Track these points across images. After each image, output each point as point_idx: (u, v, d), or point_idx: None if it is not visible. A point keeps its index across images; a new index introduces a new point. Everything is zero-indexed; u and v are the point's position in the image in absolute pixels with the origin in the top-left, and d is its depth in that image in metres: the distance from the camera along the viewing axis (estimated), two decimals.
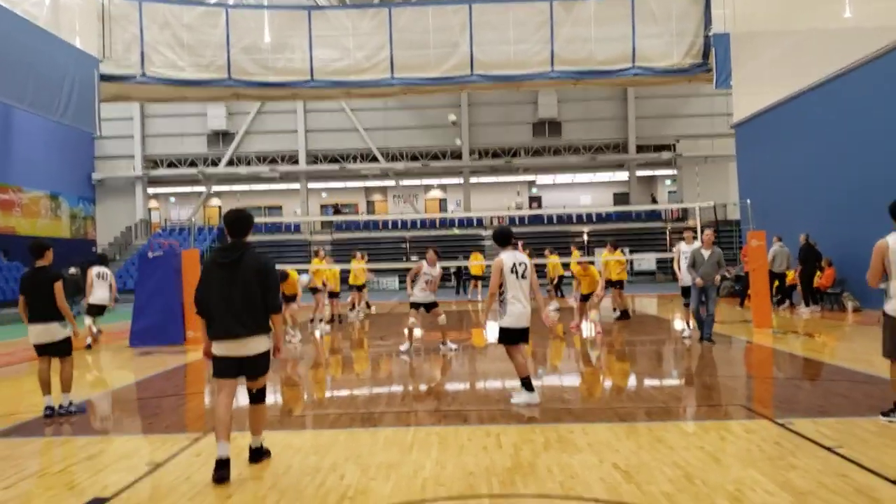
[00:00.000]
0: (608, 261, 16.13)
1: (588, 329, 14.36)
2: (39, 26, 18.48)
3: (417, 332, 13.67)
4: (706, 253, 11.75)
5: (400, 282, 34.05)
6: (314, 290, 16.43)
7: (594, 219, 39.30)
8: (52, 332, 7.59)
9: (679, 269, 13.10)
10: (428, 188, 44.46)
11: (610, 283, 15.98)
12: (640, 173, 42.11)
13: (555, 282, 21.28)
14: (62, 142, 35.11)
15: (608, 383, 9.28)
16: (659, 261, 34.85)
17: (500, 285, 7.37)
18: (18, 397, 8.89)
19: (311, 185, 42.47)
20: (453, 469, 5.27)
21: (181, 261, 14.23)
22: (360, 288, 19.45)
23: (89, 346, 13.97)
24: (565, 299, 21.78)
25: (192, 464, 5.64)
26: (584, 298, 14.32)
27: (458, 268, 29.08)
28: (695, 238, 13.12)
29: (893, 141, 14.51)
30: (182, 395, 9.19)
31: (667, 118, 40.24)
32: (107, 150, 40.38)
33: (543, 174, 43.38)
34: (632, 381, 9.30)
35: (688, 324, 12.95)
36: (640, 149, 40.76)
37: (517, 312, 7.36)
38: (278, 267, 6.78)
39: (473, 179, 41.99)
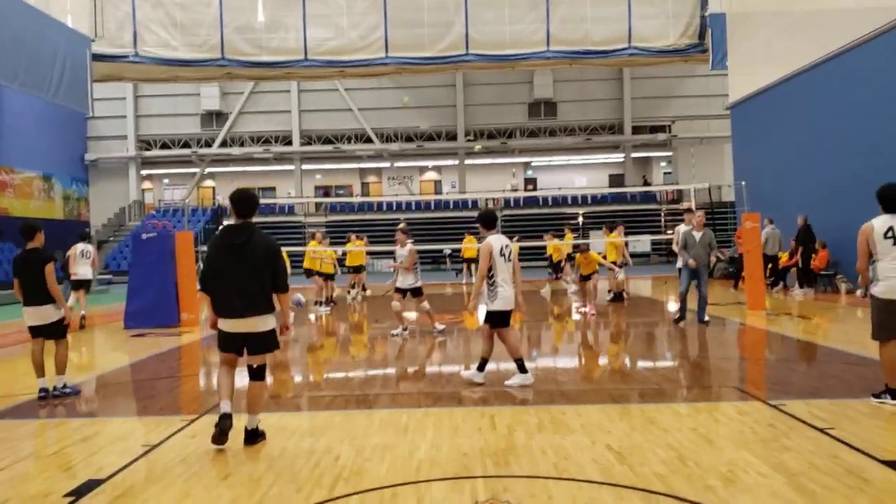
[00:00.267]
0: (613, 242, 16.24)
1: (588, 308, 14.44)
2: (30, 4, 18.26)
3: (411, 315, 13.66)
4: (697, 235, 11.77)
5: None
6: (309, 274, 16.43)
7: (589, 200, 39.29)
8: (45, 314, 7.57)
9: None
10: (423, 170, 44.34)
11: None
12: (635, 155, 42.07)
13: (562, 263, 21.28)
14: (54, 122, 34.84)
15: (601, 365, 9.32)
16: (654, 243, 34.91)
17: (490, 268, 7.37)
18: (12, 379, 8.89)
19: (305, 166, 42.30)
20: (448, 450, 5.30)
21: (175, 242, 14.19)
22: (357, 270, 19.46)
23: (82, 327, 14.07)
24: (558, 280, 21.83)
25: (188, 445, 5.66)
26: (585, 278, 14.44)
27: (453, 250, 29.05)
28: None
29: (889, 122, 14.49)
30: (177, 377, 9.19)
31: (662, 99, 40.12)
32: (100, 131, 40.09)
33: (539, 156, 43.28)
34: (625, 363, 9.34)
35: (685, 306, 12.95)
36: (635, 130, 40.66)
37: (507, 295, 7.38)
38: None
39: (469, 161, 41.88)
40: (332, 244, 18.92)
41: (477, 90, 40.58)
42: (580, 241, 16.11)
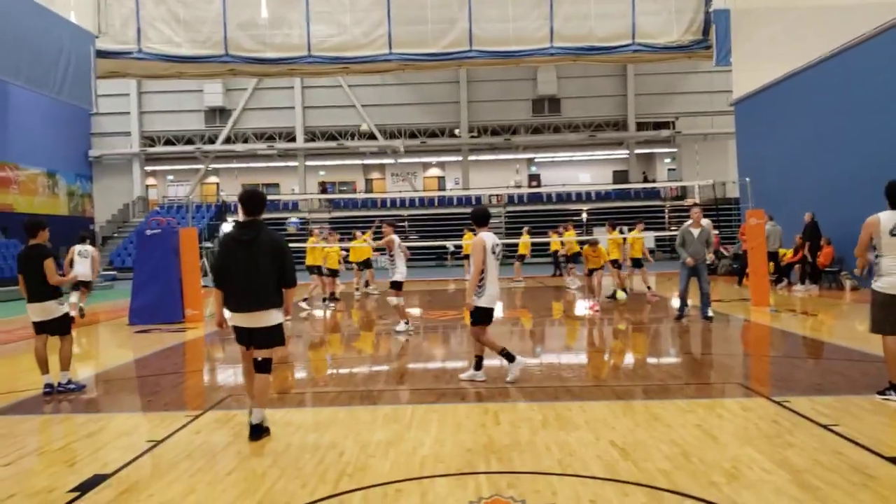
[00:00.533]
0: (634, 238, 16.24)
1: (591, 304, 14.45)
2: (34, 1, 18.27)
3: (415, 311, 13.69)
4: (696, 231, 11.77)
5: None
6: (312, 270, 16.41)
7: (593, 197, 39.24)
8: (48, 310, 7.61)
9: None
10: (426, 166, 44.32)
11: (612, 263, 16.00)
12: (639, 151, 42.00)
13: (563, 260, 21.27)
14: (59, 119, 34.91)
15: (605, 361, 9.31)
16: (657, 239, 34.85)
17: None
18: (17, 375, 8.91)
19: (309, 162, 42.32)
20: (452, 446, 5.30)
21: (179, 238, 14.21)
22: (365, 265, 19.57)
23: (82, 316, 14.40)
24: (563, 276, 21.80)
25: (192, 441, 5.67)
26: (591, 273, 14.49)
27: (455, 246, 29.03)
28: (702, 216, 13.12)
29: (894, 119, 14.44)
30: (181, 373, 9.22)
31: (666, 95, 40.04)
32: (103, 127, 40.15)
33: (542, 152, 43.22)
34: (629, 360, 9.33)
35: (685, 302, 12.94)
36: (639, 126, 40.59)
37: (494, 293, 7.40)
38: None
39: (472, 157, 41.84)
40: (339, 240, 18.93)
41: (480, 87, 40.53)
42: (588, 238, 16.08)
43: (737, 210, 26.76)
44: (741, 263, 18.26)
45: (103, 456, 5.34)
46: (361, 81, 38.57)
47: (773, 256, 17.56)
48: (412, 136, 40.74)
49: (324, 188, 43.56)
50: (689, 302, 12.41)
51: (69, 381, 7.71)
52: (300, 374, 8.93)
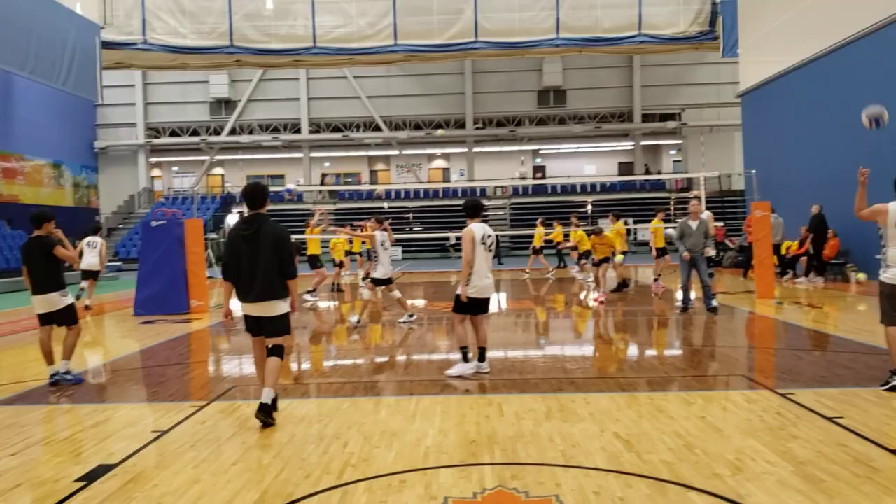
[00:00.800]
0: (656, 227, 16.19)
1: (597, 295, 14.42)
2: None
3: (420, 302, 13.68)
4: (694, 224, 11.76)
5: (403, 251, 34.10)
6: (313, 264, 16.35)
7: (598, 189, 39.16)
8: (52, 301, 7.60)
9: None
10: (431, 157, 44.27)
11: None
12: (644, 143, 41.88)
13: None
14: (64, 109, 34.95)
15: (610, 353, 9.31)
16: (667, 238, 34.73)
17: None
18: (23, 365, 8.95)
19: (314, 154, 42.30)
20: (456, 437, 5.31)
21: (184, 230, 14.24)
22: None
23: (87, 307, 14.55)
24: (568, 268, 21.78)
25: (198, 431, 5.70)
26: (598, 263, 14.46)
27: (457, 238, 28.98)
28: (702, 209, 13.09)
29: None
30: (186, 364, 9.24)
31: (672, 87, 39.89)
32: (109, 119, 40.22)
33: (547, 143, 43.13)
34: (633, 351, 9.33)
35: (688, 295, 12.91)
36: (645, 118, 40.49)
37: (483, 284, 7.36)
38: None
39: (477, 149, 41.78)
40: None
41: (486, 78, 40.45)
42: (593, 227, 16.06)
43: (742, 202, 26.72)
44: (746, 255, 18.20)
45: (109, 446, 5.36)
46: (367, 73, 38.54)
47: (775, 249, 17.49)
48: (417, 127, 40.70)
49: (323, 180, 43.49)
50: (693, 294, 12.38)
51: (68, 372, 7.64)
52: (304, 365, 8.95)
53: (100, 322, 13.79)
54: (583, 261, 19.46)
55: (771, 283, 14.14)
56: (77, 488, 4.49)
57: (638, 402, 6.21)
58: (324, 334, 11.63)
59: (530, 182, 41.43)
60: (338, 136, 40.62)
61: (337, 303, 15.81)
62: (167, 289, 13.94)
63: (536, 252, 21.45)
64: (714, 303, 11.91)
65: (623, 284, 16.32)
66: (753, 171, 16.22)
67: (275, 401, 5.89)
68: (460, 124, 40.91)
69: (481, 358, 7.60)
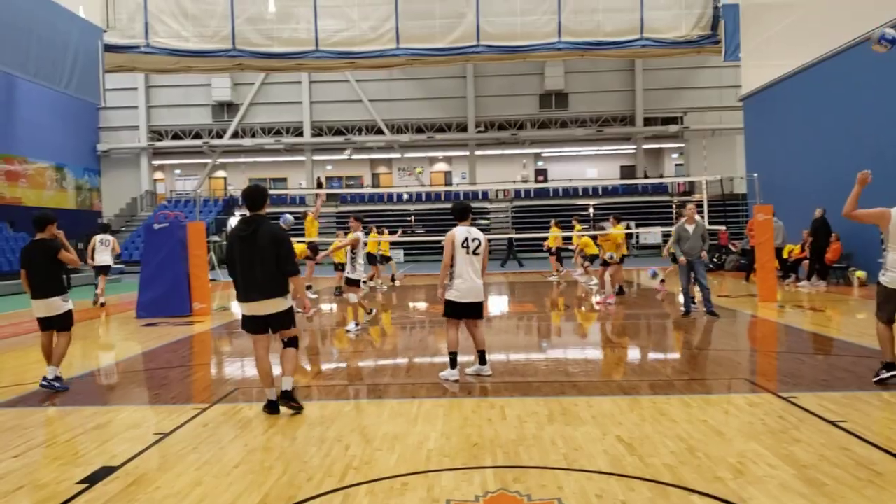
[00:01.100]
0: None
1: (604, 298, 14.39)
2: None
3: (422, 304, 13.67)
4: (690, 228, 11.77)
5: (405, 254, 34.10)
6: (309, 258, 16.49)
7: (600, 192, 39.16)
8: (53, 306, 7.49)
9: None
10: (433, 160, 44.29)
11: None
12: (646, 146, 41.88)
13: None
14: (67, 112, 35.02)
15: (612, 356, 9.31)
16: (665, 234, 34.73)
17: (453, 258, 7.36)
18: (25, 368, 8.96)
19: (316, 157, 42.34)
20: (458, 441, 5.31)
21: (187, 232, 14.25)
22: (385, 259, 19.72)
23: (103, 304, 15.73)
24: (569, 272, 21.74)
25: (200, 434, 5.70)
26: (606, 264, 14.44)
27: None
28: (699, 212, 13.05)
29: None
30: (188, 367, 9.25)
31: (674, 90, 39.91)
32: (111, 121, 40.29)
33: (549, 147, 43.14)
34: (635, 355, 9.32)
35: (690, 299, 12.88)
36: (647, 121, 40.49)
37: (463, 287, 7.32)
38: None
39: (479, 152, 41.80)
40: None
41: (487, 81, 40.48)
42: (598, 232, 15.95)
43: (744, 205, 26.69)
44: (749, 259, 18.19)
45: (111, 448, 5.37)
46: (369, 76, 38.57)
47: (777, 252, 17.46)
48: (419, 130, 40.72)
49: (319, 183, 43.29)
50: (695, 297, 12.38)
51: (56, 379, 7.44)
52: (307, 368, 8.95)
53: (102, 324, 13.80)
54: (586, 263, 19.39)
55: (773, 286, 14.13)
56: (79, 490, 4.50)
57: (640, 406, 6.21)
58: (325, 337, 11.63)
59: (532, 185, 41.41)
60: (340, 139, 40.65)
61: (338, 305, 15.80)
62: (170, 291, 13.94)
63: (552, 253, 21.42)
64: (712, 306, 11.89)
65: (620, 290, 16.25)
66: (756, 175, 16.19)
67: (289, 391, 6.16)
68: (462, 128, 40.93)
69: (482, 361, 7.59)
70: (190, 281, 14.08)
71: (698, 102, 39.34)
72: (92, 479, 4.68)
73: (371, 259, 19.67)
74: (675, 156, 43.41)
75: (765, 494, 4.13)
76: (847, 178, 7.19)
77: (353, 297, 11.75)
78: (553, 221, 21.76)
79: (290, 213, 27.53)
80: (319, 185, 42.16)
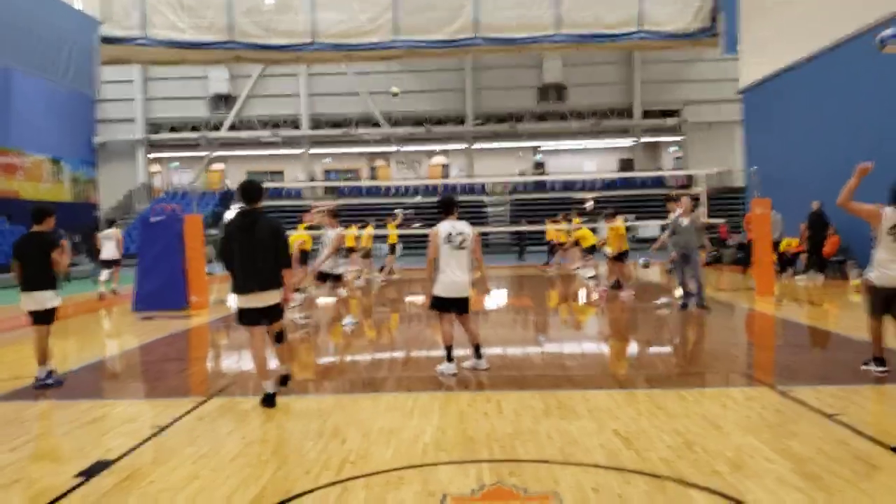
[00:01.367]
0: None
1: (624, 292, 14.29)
2: None
3: (420, 298, 13.65)
4: (685, 221, 11.74)
5: (404, 247, 34.00)
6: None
7: (598, 185, 39.10)
8: (43, 299, 7.37)
9: None
10: (431, 154, 44.22)
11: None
12: (645, 139, 41.84)
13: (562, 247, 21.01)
14: (63, 105, 34.78)
15: (608, 350, 9.31)
16: (663, 227, 34.72)
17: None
18: (22, 361, 8.93)
19: (314, 150, 42.26)
20: (454, 434, 5.31)
21: (183, 225, 14.21)
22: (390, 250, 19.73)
23: (114, 291, 16.21)
24: (559, 266, 21.71)
25: (196, 427, 5.69)
26: (618, 258, 14.49)
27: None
28: (696, 206, 13.01)
29: None
30: (185, 360, 9.24)
31: (673, 83, 39.83)
32: (108, 114, 40.09)
33: (548, 140, 43.07)
34: (631, 348, 9.33)
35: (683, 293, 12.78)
36: (645, 114, 40.45)
37: (447, 281, 7.29)
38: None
39: (477, 145, 41.74)
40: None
41: (485, 74, 40.39)
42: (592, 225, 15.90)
43: (742, 199, 26.69)
44: (746, 253, 18.18)
45: (107, 442, 5.36)
46: (367, 69, 38.44)
47: (774, 246, 17.46)
48: (417, 123, 40.63)
49: (312, 177, 43.14)
50: (692, 291, 12.36)
51: (48, 375, 7.35)
52: (303, 361, 8.93)
53: (98, 317, 13.79)
54: (588, 255, 19.37)
55: (771, 280, 14.12)
56: (75, 484, 4.49)
57: (637, 400, 6.21)
58: (322, 331, 11.61)
59: (530, 179, 41.37)
60: (338, 132, 40.57)
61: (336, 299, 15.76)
62: (166, 285, 13.88)
63: (562, 246, 21.41)
64: (704, 301, 11.85)
65: (618, 283, 16.19)
66: (754, 168, 16.18)
67: (287, 375, 6.57)
68: (460, 121, 40.86)
69: (477, 355, 7.58)
70: (187, 274, 14.04)
71: (696, 95, 39.28)
72: (88, 473, 4.67)
73: (366, 253, 19.64)
74: (673, 149, 43.34)
75: (762, 488, 4.13)
76: (845, 171, 7.20)
77: (342, 291, 11.58)
78: (562, 215, 21.75)
79: (289, 205, 27.51)
80: (312, 178, 41.99)
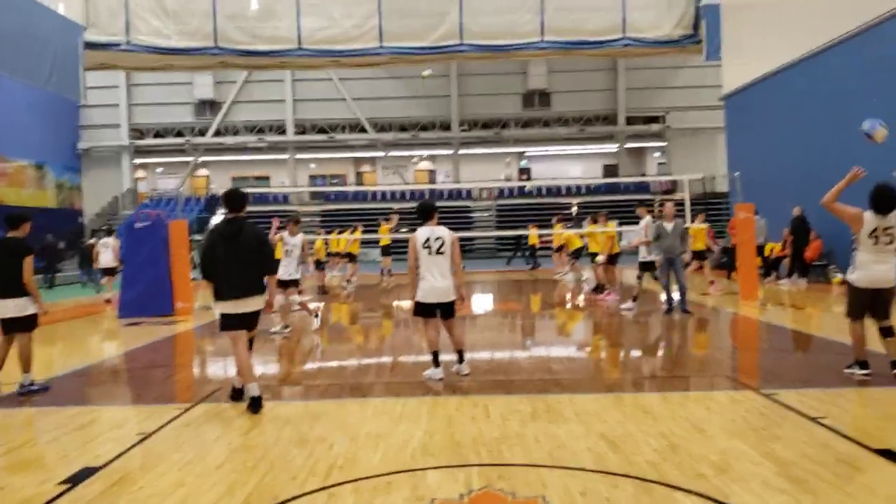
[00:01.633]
0: (697, 230, 15.74)
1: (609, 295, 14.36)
2: None
3: (406, 303, 13.64)
4: (669, 226, 11.84)
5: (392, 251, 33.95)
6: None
7: (583, 191, 39.28)
8: (20, 306, 7.22)
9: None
10: (417, 159, 44.23)
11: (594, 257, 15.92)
12: (629, 145, 42.08)
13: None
14: (47, 110, 34.60)
15: (595, 354, 9.35)
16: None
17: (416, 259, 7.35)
18: (7, 367, 8.84)
19: (300, 155, 42.18)
20: (442, 439, 5.32)
21: (169, 231, 14.14)
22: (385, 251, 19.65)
23: (108, 301, 16.14)
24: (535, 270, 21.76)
25: (182, 433, 5.67)
26: (612, 261, 14.57)
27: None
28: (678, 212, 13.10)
29: (884, 113, 14.47)
30: (171, 366, 9.20)
31: (656, 90, 40.11)
32: (92, 119, 39.83)
33: (533, 146, 43.23)
34: (618, 352, 9.37)
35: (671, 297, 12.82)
36: (629, 120, 40.69)
37: (426, 287, 7.30)
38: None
39: (463, 151, 41.83)
40: (328, 233, 18.88)
41: (471, 80, 40.49)
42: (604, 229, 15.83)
43: (726, 204, 26.88)
44: (730, 257, 18.31)
45: (94, 448, 5.33)
46: (352, 74, 38.42)
47: (758, 250, 17.58)
48: (403, 129, 40.66)
49: (297, 221, 42.80)
50: (675, 296, 12.42)
51: (32, 383, 7.29)
52: (290, 367, 8.92)
53: (84, 324, 13.69)
54: (573, 260, 19.40)
55: (755, 284, 14.24)
56: (61, 491, 4.46)
57: (623, 403, 6.24)
58: (308, 336, 11.59)
59: (516, 184, 41.46)
60: (323, 137, 40.54)
61: (322, 304, 15.75)
62: (152, 291, 13.81)
63: (558, 251, 21.34)
64: (686, 305, 11.95)
65: (600, 287, 16.17)
66: (737, 174, 16.30)
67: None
68: (446, 126, 40.93)
69: (459, 360, 7.59)
70: (172, 280, 13.97)
71: (680, 102, 39.58)
72: (74, 480, 4.64)
73: (351, 258, 19.63)
74: (657, 154, 43.63)
75: (747, 491, 4.16)
76: (826, 176, 7.31)
77: (296, 297, 11.40)
78: (556, 218, 21.78)
79: (274, 211, 27.48)
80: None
